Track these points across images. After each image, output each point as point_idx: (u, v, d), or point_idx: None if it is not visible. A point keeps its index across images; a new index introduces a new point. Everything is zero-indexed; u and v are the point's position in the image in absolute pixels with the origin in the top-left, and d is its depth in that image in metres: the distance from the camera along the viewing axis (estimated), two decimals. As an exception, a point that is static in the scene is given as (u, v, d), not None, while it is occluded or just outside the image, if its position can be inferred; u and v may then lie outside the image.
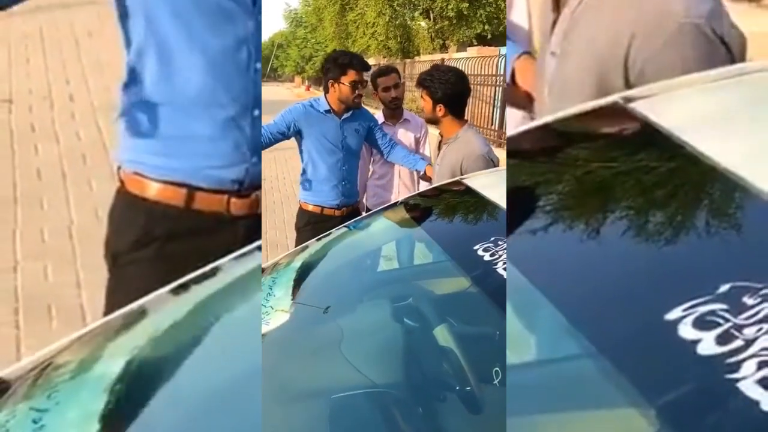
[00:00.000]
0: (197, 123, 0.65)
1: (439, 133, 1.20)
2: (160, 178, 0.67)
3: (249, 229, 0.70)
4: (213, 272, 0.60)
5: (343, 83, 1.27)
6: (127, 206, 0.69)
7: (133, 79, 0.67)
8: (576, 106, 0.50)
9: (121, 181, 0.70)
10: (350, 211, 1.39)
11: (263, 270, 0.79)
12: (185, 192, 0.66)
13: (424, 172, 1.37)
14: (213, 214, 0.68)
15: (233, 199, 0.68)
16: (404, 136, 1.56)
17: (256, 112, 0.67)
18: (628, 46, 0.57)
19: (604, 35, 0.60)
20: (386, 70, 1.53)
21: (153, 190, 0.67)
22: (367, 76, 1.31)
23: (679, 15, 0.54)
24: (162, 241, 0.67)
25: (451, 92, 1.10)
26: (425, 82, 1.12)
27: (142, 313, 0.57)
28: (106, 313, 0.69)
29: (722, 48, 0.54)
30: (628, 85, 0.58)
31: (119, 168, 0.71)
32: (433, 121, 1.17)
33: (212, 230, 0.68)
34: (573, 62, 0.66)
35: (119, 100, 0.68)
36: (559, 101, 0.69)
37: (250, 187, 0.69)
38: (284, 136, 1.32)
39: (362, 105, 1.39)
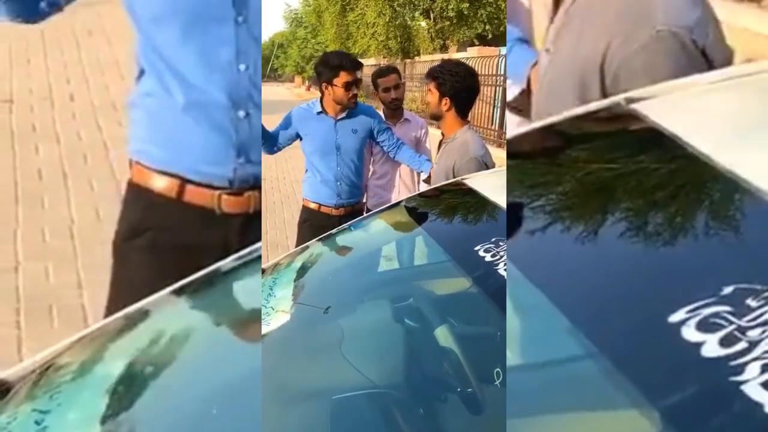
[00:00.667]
0: (190, 117, 0.66)
1: (441, 132, 1.19)
2: (157, 168, 0.68)
3: (243, 228, 0.70)
4: (214, 273, 0.60)
5: (336, 85, 1.27)
6: (130, 195, 0.72)
7: (140, 72, 0.69)
8: (579, 108, 0.50)
9: (131, 171, 0.72)
10: (350, 211, 1.39)
11: (264, 270, 0.79)
12: (178, 183, 0.68)
13: (429, 175, 1.37)
14: (204, 209, 0.69)
15: (224, 197, 0.69)
16: (404, 136, 1.55)
17: (241, 113, 0.67)
18: (606, 48, 0.56)
19: (588, 36, 0.60)
20: (386, 71, 1.53)
21: (151, 180, 0.69)
22: (360, 74, 1.31)
23: (658, 22, 0.53)
24: (155, 231, 0.69)
25: (459, 86, 1.09)
26: (434, 73, 1.11)
27: (143, 314, 0.57)
28: (108, 303, 0.71)
29: (701, 60, 0.53)
30: (604, 89, 0.57)
31: (131, 159, 0.73)
32: (437, 117, 1.15)
33: (204, 225, 0.69)
34: (560, 61, 0.66)
35: (132, 94, 0.71)
36: (546, 99, 0.69)
37: (241, 186, 0.69)
38: (291, 140, 1.37)
39: (366, 104, 1.41)
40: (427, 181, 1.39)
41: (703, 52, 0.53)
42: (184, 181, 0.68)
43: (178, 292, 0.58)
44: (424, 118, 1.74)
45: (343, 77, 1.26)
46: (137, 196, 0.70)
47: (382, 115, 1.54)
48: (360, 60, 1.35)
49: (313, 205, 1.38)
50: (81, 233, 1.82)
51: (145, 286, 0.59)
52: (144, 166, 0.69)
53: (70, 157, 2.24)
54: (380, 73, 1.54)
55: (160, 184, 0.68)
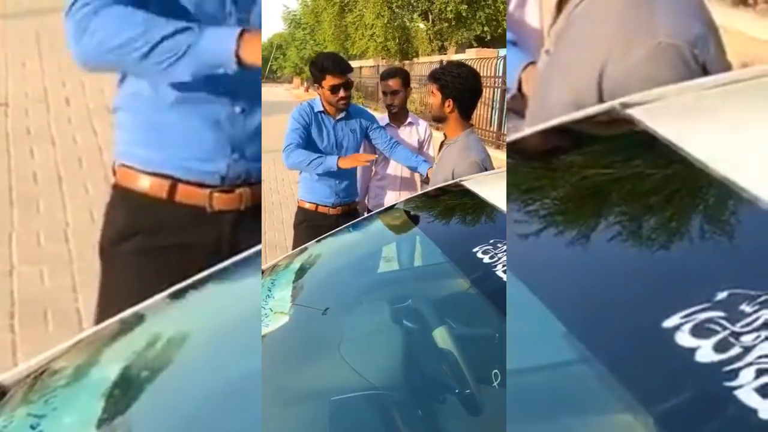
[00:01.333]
0: (180, 116, 0.66)
1: (443, 134, 1.19)
2: (146, 169, 0.68)
3: (236, 225, 0.70)
4: (213, 274, 0.60)
5: (324, 87, 1.28)
6: (117, 198, 0.70)
7: (124, 74, 0.68)
8: (576, 112, 0.50)
9: (114, 174, 0.71)
10: (347, 210, 1.39)
11: (262, 272, 0.78)
12: (168, 183, 0.67)
13: (427, 175, 1.36)
14: (195, 208, 0.68)
15: (216, 194, 0.68)
16: (407, 138, 1.54)
17: (237, 109, 0.67)
18: (606, 56, 0.56)
19: (588, 42, 0.60)
20: (388, 74, 1.51)
21: (139, 182, 0.68)
22: (350, 78, 1.30)
23: (660, 34, 0.53)
24: (146, 233, 0.68)
25: (461, 87, 1.08)
26: (437, 75, 1.11)
27: (140, 318, 0.57)
28: (99, 307, 0.70)
29: (701, 74, 0.53)
30: (601, 96, 0.57)
31: (114, 162, 0.72)
32: (440, 119, 1.14)
33: (196, 224, 0.68)
34: (559, 64, 0.66)
35: (116, 98, 0.70)
36: (542, 101, 0.69)
37: (233, 182, 0.69)
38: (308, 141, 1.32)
39: (360, 105, 1.40)
40: (426, 181, 1.39)
41: (703, 66, 0.53)
42: (175, 181, 0.67)
43: (176, 294, 0.58)
44: (424, 119, 1.73)
45: (329, 80, 1.26)
46: (125, 199, 0.69)
47: (387, 117, 1.54)
48: (351, 63, 1.33)
49: (309, 206, 1.38)
50: (76, 237, 1.81)
51: (138, 289, 0.58)
52: (131, 168, 0.68)
53: (65, 161, 2.23)
54: (383, 75, 1.53)
55: (149, 185, 0.67)
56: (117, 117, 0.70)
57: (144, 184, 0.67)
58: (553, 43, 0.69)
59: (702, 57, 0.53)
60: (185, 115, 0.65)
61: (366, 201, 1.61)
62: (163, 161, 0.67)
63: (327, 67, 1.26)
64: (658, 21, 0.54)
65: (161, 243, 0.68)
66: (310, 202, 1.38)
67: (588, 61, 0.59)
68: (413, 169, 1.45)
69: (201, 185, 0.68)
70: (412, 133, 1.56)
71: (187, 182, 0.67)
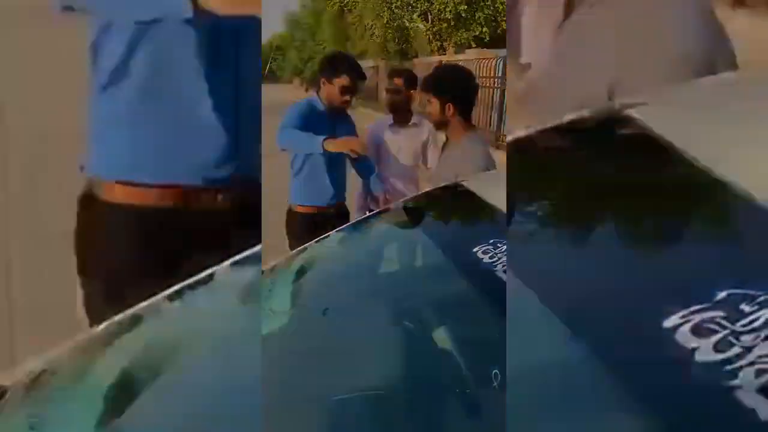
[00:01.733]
0: (193, 122, 0.65)
1: (445, 136, 1.18)
2: (151, 182, 0.66)
3: (242, 224, 0.69)
4: (212, 274, 0.60)
5: (334, 84, 1.27)
6: (110, 217, 0.67)
7: (108, 83, 0.65)
8: (576, 113, 0.50)
9: (94, 193, 0.68)
10: (342, 211, 1.41)
11: (262, 272, 0.78)
12: (178, 193, 0.66)
13: (374, 196, 1.38)
14: (202, 211, 0.68)
15: (221, 195, 0.68)
16: (410, 140, 1.54)
17: (244, 111, 0.67)
18: (617, 69, 0.56)
19: (598, 54, 0.60)
20: (393, 73, 1.53)
21: (145, 196, 0.66)
22: (361, 86, 1.31)
23: (672, 46, 0.53)
24: (154, 246, 0.67)
25: (458, 89, 1.09)
26: (431, 82, 1.10)
27: (140, 318, 0.57)
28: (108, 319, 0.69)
29: None
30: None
31: (93, 180, 0.68)
32: (442, 125, 1.14)
33: (202, 228, 0.68)
34: (567, 72, 0.67)
35: (99, 110, 0.66)
36: (547, 104, 0.69)
37: (236, 182, 0.69)
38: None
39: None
40: (374, 200, 1.37)
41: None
42: (185, 189, 0.66)
43: (176, 294, 0.58)
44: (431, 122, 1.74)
45: (343, 80, 1.27)
46: (123, 216, 0.66)
47: (391, 117, 1.54)
48: (359, 63, 1.36)
49: (305, 209, 1.38)
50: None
51: (147, 298, 0.58)
52: (131, 184, 0.66)
53: (64, 162, 2.23)
54: (389, 72, 1.56)
55: (157, 197, 0.66)
56: (105, 130, 0.67)
57: (151, 197, 0.65)
58: (557, 50, 0.69)
59: (714, 69, 0.53)
60: (199, 120, 0.64)
61: (367, 200, 1.62)
62: (174, 171, 0.65)
63: (344, 68, 1.26)
64: (670, 32, 0.54)
65: (170, 252, 0.66)
66: (306, 206, 1.38)
67: (598, 72, 0.58)
68: (369, 186, 1.42)
69: (208, 189, 0.67)
70: (416, 134, 1.56)
71: (196, 188, 0.66)
